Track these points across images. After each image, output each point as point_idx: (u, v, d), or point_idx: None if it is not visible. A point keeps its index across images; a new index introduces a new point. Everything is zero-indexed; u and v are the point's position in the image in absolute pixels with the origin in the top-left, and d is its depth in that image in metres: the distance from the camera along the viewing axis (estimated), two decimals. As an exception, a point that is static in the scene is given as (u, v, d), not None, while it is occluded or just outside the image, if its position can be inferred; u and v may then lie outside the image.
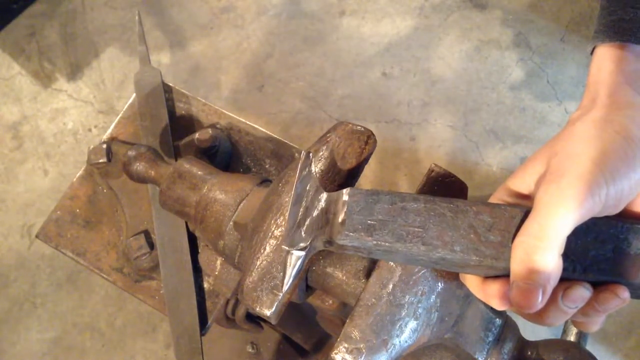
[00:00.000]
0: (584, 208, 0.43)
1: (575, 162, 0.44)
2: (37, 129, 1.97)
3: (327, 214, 0.52)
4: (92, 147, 0.92)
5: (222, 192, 0.69)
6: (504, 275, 0.47)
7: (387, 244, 0.49)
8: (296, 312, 1.11)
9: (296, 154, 0.96)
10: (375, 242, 0.49)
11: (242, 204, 0.67)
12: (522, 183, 0.50)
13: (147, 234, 0.90)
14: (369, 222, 0.49)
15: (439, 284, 0.57)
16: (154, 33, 2.05)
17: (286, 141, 0.97)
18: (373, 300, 0.55)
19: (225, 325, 0.99)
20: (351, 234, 0.49)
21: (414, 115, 1.90)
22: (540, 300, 0.43)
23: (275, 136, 0.97)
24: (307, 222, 0.52)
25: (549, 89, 1.94)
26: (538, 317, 0.46)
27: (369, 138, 0.63)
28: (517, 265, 0.44)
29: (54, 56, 2.06)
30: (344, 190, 0.51)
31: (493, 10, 2.03)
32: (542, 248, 0.42)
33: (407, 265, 0.56)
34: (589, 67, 0.53)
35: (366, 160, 0.63)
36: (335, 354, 0.54)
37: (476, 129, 1.90)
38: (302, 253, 0.52)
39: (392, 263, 0.56)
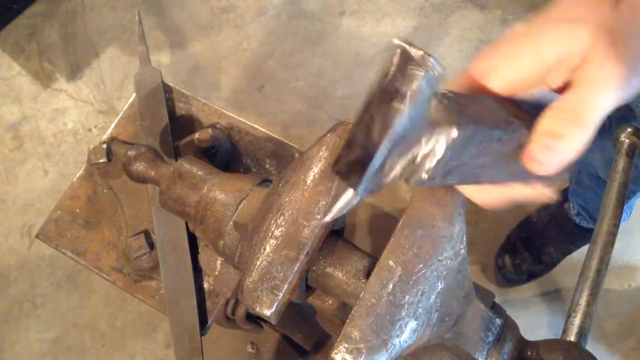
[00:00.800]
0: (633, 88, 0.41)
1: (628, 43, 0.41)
2: (37, 129, 1.97)
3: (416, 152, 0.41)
4: (92, 147, 0.92)
5: (222, 192, 0.69)
6: None
7: (450, 183, 0.47)
8: (296, 312, 1.11)
9: (296, 154, 0.96)
10: (442, 183, 0.45)
11: (242, 204, 0.67)
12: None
13: (147, 234, 0.90)
14: (449, 167, 0.43)
15: (439, 283, 0.57)
16: (154, 33, 2.05)
17: (286, 141, 0.97)
18: (373, 300, 0.55)
19: (225, 325, 0.99)
20: (428, 181, 0.42)
21: (414, 115, 1.90)
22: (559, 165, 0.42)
23: (275, 136, 0.97)
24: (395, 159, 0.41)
25: (549, 89, 1.94)
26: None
27: (369, 138, 0.63)
28: (548, 124, 0.42)
29: (54, 56, 2.06)
30: (454, 132, 0.40)
31: (493, 10, 2.04)
32: (579, 123, 0.41)
33: (406, 265, 0.56)
34: None
35: (366, 160, 0.63)
36: (335, 354, 0.54)
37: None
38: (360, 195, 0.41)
39: (391, 263, 0.56)
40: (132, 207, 0.92)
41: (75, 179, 0.97)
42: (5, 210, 1.88)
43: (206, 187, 0.70)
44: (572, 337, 0.70)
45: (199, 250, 0.90)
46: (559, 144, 0.41)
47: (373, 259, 0.63)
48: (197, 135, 0.90)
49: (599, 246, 0.76)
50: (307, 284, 0.65)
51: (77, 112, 1.99)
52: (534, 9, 2.03)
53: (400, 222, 0.57)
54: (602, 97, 0.41)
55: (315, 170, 0.61)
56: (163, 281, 0.87)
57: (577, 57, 0.41)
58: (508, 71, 0.44)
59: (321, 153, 0.61)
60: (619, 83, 0.40)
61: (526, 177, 0.48)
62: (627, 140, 0.83)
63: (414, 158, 0.41)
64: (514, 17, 2.02)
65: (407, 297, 0.55)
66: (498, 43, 0.44)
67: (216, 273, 0.85)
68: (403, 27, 2.02)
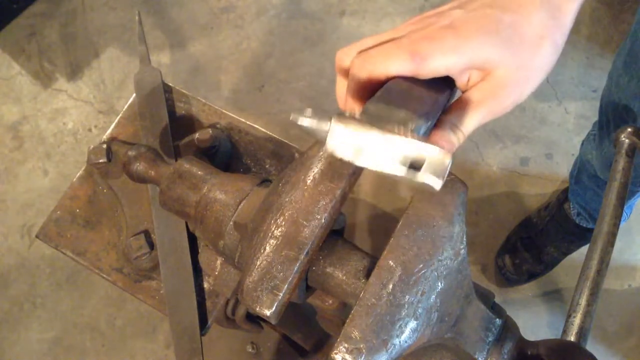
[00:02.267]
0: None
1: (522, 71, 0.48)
2: (37, 129, 1.97)
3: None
4: (92, 147, 0.92)
5: (222, 192, 0.69)
6: None
7: None
8: (296, 312, 1.11)
9: (296, 154, 0.96)
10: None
11: (242, 204, 0.67)
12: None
13: (147, 234, 0.90)
14: None
15: (439, 283, 0.57)
16: (154, 33, 2.05)
17: (286, 141, 0.97)
18: (373, 300, 0.55)
19: (225, 325, 0.99)
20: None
21: (414, 115, 1.90)
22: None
23: (275, 136, 0.97)
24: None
25: (549, 89, 1.94)
26: None
27: (369, 138, 0.63)
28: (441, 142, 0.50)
29: (54, 56, 2.06)
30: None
31: (493, 10, 2.03)
32: (462, 137, 0.51)
33: (406, 265, 0.56)
34: None
35: (366, 160, 0.63)
36: (335, 354, 0.54)
37: (476, 129, 1.90)
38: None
39: (391, 263, 0.56)
40: (132, 207, 0.92)
41: (75, 179, 0.97)
42: (5, 210, 1.88)
43: (206, 187, 0.70)
44: (572, 337, 0.70)
45: (199, 250, 0.90)
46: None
47: (373, 259, 0.63)
48: (197, 135, 0.90)
49: (599, 246, 0.76)
50: (307, 284, 0.66)
51: (77, 112, 1.99)
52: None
53: (401, 222, 0.57)
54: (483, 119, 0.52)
55: (315, 170, 0.61)
56: (163, 281, 0.87)
57: (492, 64, 0.48)
58: (444, 62, 0.48)
59: (321, 153, 0.61)
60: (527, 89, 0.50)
61: None
62: (627, 140, 0.83)
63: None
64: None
65: (407, 297, 0.55)
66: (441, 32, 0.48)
67: (216, 273, 0.85)
68: (403, 27, 2.02)
